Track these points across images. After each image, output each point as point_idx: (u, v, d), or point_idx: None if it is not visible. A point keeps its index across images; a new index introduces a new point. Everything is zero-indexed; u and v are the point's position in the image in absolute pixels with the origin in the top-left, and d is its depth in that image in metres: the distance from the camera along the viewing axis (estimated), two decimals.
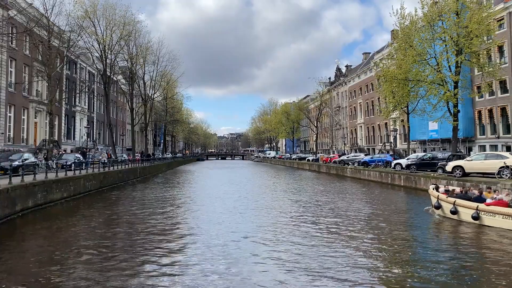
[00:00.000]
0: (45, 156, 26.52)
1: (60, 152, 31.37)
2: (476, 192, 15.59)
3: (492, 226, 13.17)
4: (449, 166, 22.62)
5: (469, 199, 14.70)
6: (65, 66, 36.65)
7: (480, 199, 14.42)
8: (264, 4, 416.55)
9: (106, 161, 31.61)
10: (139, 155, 49.73)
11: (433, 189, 16.93)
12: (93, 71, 48.25)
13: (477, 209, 13.68)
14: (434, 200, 16.12)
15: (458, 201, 14.65)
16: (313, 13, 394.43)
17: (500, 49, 31.76)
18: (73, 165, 23.23)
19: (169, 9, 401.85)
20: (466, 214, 14.17)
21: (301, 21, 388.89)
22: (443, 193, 16.01)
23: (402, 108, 32.81)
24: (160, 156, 63.00)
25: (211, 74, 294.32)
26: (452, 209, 14.68)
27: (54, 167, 22.60)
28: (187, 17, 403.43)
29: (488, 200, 14.09)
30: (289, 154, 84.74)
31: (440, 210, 15.60)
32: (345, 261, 9.48)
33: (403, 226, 14.45)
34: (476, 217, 13.65)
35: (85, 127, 42.22)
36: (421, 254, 10.50)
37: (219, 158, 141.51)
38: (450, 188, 17.10)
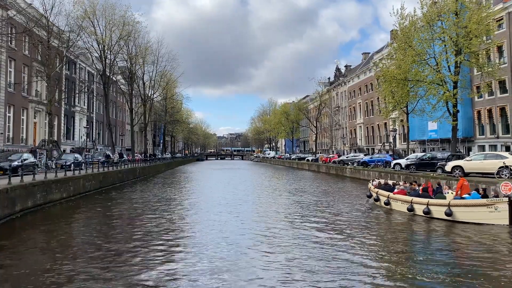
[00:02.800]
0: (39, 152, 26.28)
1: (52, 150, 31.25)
2: (397, 183, 19.61)
3: (396, 209, 16.79)
4: (449, 166, 22.65)
5: (387, 189, 18.26)
6: (64, 66, 36.64)
7: (392, 189, 18.19)
8: (260, 2, 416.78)
9: (117, 160, 32.02)
10: (139, 155, 49.70)
11: (369, 182, 21.67)
12: (93, 71, 48.22)
13: (388, 197, 17.35)
14: (368, 191, 20.01)
15: (379, 191, 18.43)
16: (309, 12, 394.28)
17: (500, 49, 31.81)
18: (72, 165, 23.22)
19: (164, 8, 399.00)
20: (382, 201, 17.86)
21: (298, 20, 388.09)
22: (374, 186, 19.87)
23: (401, 108, 32.82)
24: (160, 156, 63.03)
25: (208, 74, 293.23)
26: (375, 198, 18.60)
27: (54, 167, 22.59)
28: (182, 16, 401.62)
29: (396, 190, 17.72)
30: (288, 154, 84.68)
31: (371, 198, 19.36)
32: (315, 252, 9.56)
33: (345, 213, 16.84)
34: (387, 203, 17.35)
35: (84, 127, 42.23)
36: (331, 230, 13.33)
37: (219, 158, 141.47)
38: (383, 181, 21.13)
